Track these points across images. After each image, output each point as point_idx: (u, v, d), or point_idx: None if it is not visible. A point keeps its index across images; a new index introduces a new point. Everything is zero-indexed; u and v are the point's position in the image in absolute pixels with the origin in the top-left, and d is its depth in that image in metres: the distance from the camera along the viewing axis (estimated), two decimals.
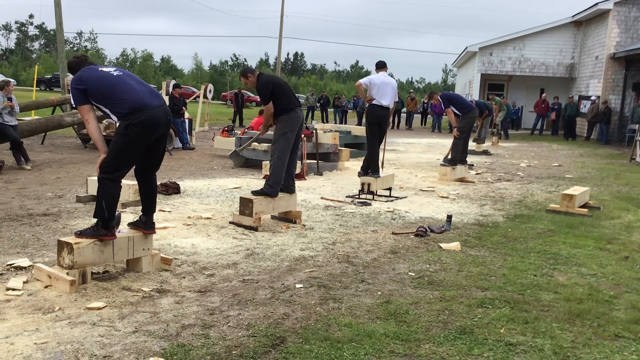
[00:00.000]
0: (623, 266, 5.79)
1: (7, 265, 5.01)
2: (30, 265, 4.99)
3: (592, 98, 23.92)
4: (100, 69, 4.78)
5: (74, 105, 4.73)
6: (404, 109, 31.72)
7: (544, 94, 27.82)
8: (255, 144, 12.28)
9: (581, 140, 24.25)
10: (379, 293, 4.74)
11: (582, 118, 25.22)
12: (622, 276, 5.43)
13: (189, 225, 6.84)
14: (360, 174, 9.42)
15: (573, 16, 27.55)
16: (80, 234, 4.68)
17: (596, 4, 24.48)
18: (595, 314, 4.41)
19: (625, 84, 23.57)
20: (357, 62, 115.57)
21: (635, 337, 4.03)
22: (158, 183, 5.49)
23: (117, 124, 4.68)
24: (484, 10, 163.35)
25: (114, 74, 4.73)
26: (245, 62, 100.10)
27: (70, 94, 4.71)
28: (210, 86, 21.86)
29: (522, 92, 31.73)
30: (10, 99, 10.93)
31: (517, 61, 28.82)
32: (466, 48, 31.37)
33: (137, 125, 4.54)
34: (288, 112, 6.88)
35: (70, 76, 4.88)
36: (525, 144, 21.75)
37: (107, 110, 4.67)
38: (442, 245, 6.36)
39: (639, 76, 23.29)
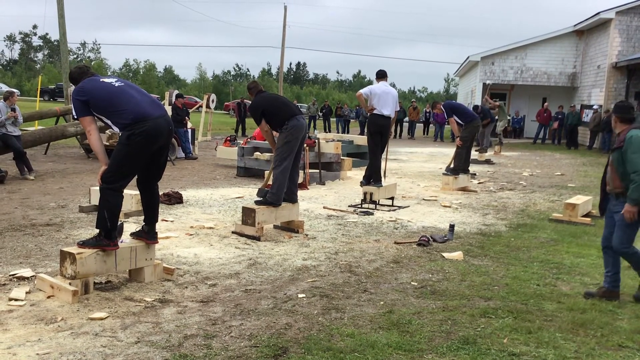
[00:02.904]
0: (626, 275, 5.76)
1: (10, 275, 5.01)
2: (32, 276, 4.99)
3: (594, 107, 23.92)
4: (101, 80, 4.79)
5: (75, 117, 4.74)
6: (407, 118, 31.73)
7: (546, 103, 27.82)
8: (258, 153, 12.31)
9: (583, 149, 24.24)
10: (382, 303, 4.74)
11: (585, 127, 25.22)
12: (626, 285, 5.40)
13: (191, 235, 6.84)
14: (362, 184, 9.42)
15: (575, 25, 27.58)
16: (83, 244, 4.69)
17: (598, 13, 24.51)
18: (598, 324, 4.39)
19: (627, 92, 23.55)
20: (359, 71, 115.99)
21: (639, 347, 4.02)
22: (160, 193, 5.50)
23: (119, 135, 4.69)
24: (486, 20, 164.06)
25: (116, 85, 4.75)
26: (248, 72, 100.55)
27: (72, 105, 4.72)
28: (213, 96, 21.92)
29: (525, 101, 31.75)
30: (14, 110, 10.97)
31: (519, 70, 28.84)
32: (468, 57, 31.40)
33: (139, 135, 4.55)
34: (289, 121, 6.90)
35: (74, 87, 4.89)
36: (527, 153, 21.74)
37: (109, 122, 4.68)
38: (444, 254, 6.35)
39: None
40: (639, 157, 4.75)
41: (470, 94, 33.73)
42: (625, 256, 4.96)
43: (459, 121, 11.71)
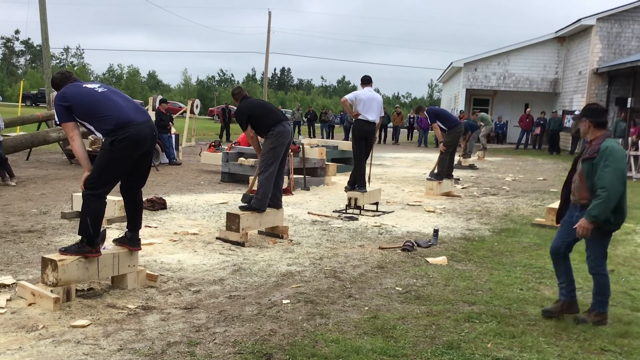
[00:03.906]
0: (611, 280, 5.81)
1: None
2: (13, 283, 4.93)
3: (576, 113, 24.17)
4: (84, 85, 4.76)
5: (57, 123, 4.70)
6: (391, 124, 31.87)
7: (528, 109, 28.08)
8: (242, 158, 12.29)
9: (565, 154, 24.47)
10: (366, 308, 4.74)
11: (566, 132, 25.47)
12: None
13: (175, 241, 6.80)
14: (347, 189, 9.43)
15: (556, 32, 27.89)
16: (65, 250, 4.64)
17: (579, 19, 24.81)
18: (581, 328, 4.43)
19: (608, 98, 23.85)
20: (344, 77, 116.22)
21: (622, 350, 4.05)
22: (144, 199, 5.46)
23: (103, 140, 4.65)
24: (469, 26, 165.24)
25: (99, 91, 4.71)
26: (232, 78, 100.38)
27: (55, 111, 4.68)
28: (197, 101, 21.83)
29: (507, 107, 31.99)
30: None
31: (501, 76, 29.08)
32: (451, 63, 31.62)
33: (122, 141, 4.52)
34: (275, 127, 6.91)
35: (56, 92, 4.85)
36: (510, 159, 21.91)
37: (92, 127, 4.65)
38: (428, 259, 6.37)
39: (621, 91, 23.58)
40: (609, 173, 4.27)
41: (453, 100, 33.94)
42: (598, 277, 4.55)
43: (443, 127, 11.78)
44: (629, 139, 17.57)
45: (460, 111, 26.55)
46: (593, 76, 24.38)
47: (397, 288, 5.32)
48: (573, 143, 24.58)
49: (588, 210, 4.34)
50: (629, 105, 20.88)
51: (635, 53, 23.51)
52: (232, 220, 6.76)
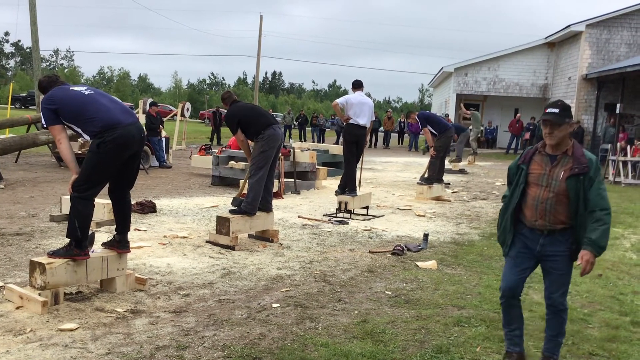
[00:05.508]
0: (597, 284, 5.86)
1: None
2: (1, 286, 4.89)
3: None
4: (71, 88, 4.75)
5: (44, 126, 4.68)
6: (382, 128, 31.94)
7: (518, 114, 28.22)
8: (233, 162, 12.27)
9: None
10: (356, 312, 4.74)
11: None
12: (596, 294, 5.49)
13: (164, 244, 6.77)
14: (337, 193, 9.43)
15: (546, 38, 28.07)
16: (53, 254, 4.61)
17: (569, 25, 24.98)
18: (569, 332, 4.44)
19: (597, 104, 24.02)
20: (335, 81, 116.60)
21: (610, 355, 4.07)
22: (133, 202, 5.44)
23: (90, 143, 4.64)
24: (460, 31, 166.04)
25: (86, 93, 4.70)
26: (223, 81, 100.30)
27: (41, 114, 4.66)
28: (188, 104, 21.81)
29: (497, 112, 32.16)
30: None
31: (491, 82, 29.23)
32: (442, 68, 31.74)
33: (110, 143, 4.50)
34: (265, 131, 6.91)
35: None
36: (500, 163, 21.99)
37: (79, 130, 4.63)
38: (418, 263, 6.38)
39: (610, 97, 23.76)
40: (605, 191, 3.53)
41: (444, 105, 34.07)
42: (564, 314, 3.73)
43: (433, 131, 11.81)
44: (618, 144, 17.70)
45: (445, 115, 26.68)
46: (582, 82, 24.55)
47: (386, 292, 5.32)
48: None
49: (596, 242, 3.49)
50: (618, 111, 21.05)
51: (624, 59, 23.70)
52: (222, 224, 6.75)
